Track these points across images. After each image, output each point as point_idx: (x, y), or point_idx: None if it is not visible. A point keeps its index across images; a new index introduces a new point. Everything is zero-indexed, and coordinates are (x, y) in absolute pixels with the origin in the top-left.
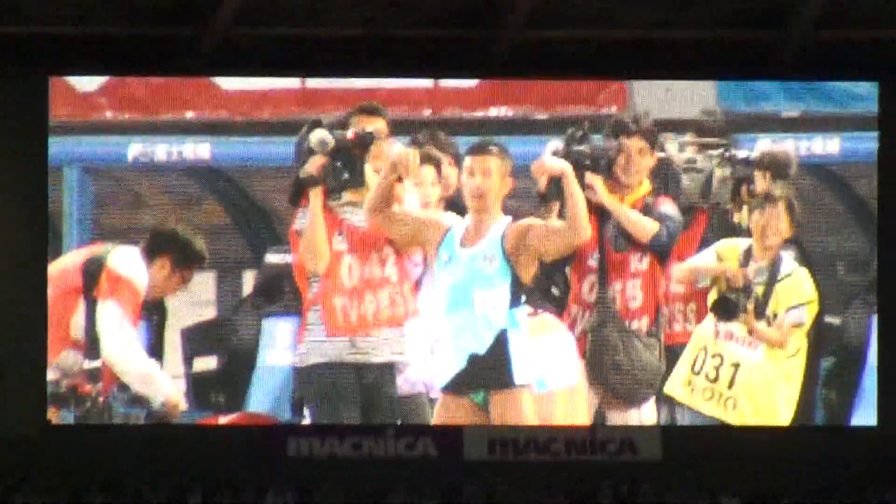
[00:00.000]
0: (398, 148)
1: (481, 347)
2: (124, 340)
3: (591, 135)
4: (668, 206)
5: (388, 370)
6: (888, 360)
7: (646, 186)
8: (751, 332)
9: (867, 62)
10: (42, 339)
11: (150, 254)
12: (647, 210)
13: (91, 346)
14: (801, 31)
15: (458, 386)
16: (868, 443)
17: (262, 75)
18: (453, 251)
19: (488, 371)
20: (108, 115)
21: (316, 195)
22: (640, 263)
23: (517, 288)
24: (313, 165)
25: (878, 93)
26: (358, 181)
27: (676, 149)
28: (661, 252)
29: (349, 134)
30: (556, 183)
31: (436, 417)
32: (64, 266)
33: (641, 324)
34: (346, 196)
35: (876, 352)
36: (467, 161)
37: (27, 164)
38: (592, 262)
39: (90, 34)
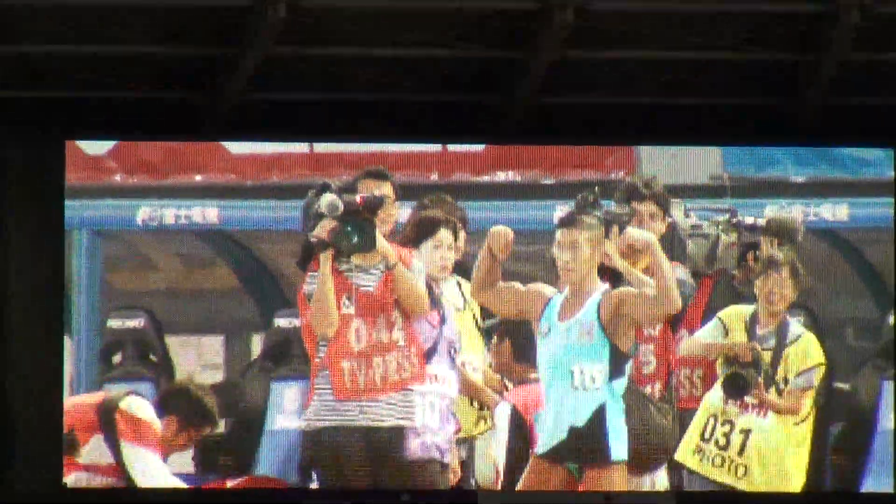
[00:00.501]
0: (496, 228)
1: (579, 420)
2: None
3: (602, 200)
4: (680, 272)
5: (397, 434)
6: None
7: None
8: (761, 403)
9: (881, 128)
10: (59, 401)
11: (159, 409)
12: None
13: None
14: (815, 96)
15: (555, 455)
16: None
17: (274, 140)
18: (552, 322)
19: (585, 443)
20: (118, 178)
21: (325, 259)
22: (652, 329)
23: (617, 358)
24: (323, 230)
25: (895, 158)
26: (369, 245)
27: (682, 214)
28: (675, 316)
29: (357, 198)
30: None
31: (524, 482)
32: (76, 403)
33: (654, 389)
34: (355, 260)
35: (889, 417)
36: (557, 235)
37: (41, 227)
38: None
39: (106, 98)
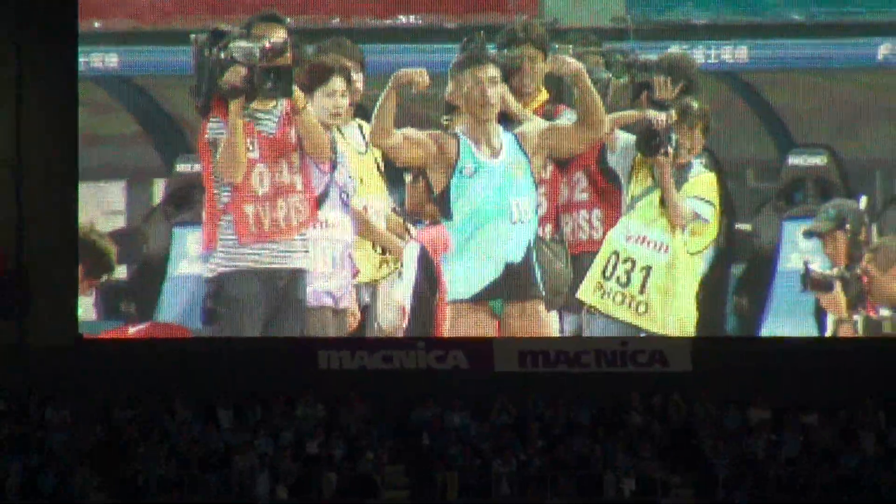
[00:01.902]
0: (404, 70)
1: (516, 256)
2: None
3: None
4: (568, 114)
5: (300, 276)
6: None
7: (544, 94)
8: (662, 173)
9: None
10: (73, 256)
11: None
12: (547, 117)
13: None
14: None
15: (486, 294)
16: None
17: None
18: (478, 161)
19: (518, 279)
20: None
21: (236, 106)
22: (544, 171)
23: (537, 191)
24: (235, 76)
25: None
26: (286, 90)
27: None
28: (563, 159)
29: (266, 44)
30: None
31: (447, 328)
32: None
33: (546, 231)
34: (254, 105)
35: (789, 258)
36: (491, 71)
37: None
38: None
39: None
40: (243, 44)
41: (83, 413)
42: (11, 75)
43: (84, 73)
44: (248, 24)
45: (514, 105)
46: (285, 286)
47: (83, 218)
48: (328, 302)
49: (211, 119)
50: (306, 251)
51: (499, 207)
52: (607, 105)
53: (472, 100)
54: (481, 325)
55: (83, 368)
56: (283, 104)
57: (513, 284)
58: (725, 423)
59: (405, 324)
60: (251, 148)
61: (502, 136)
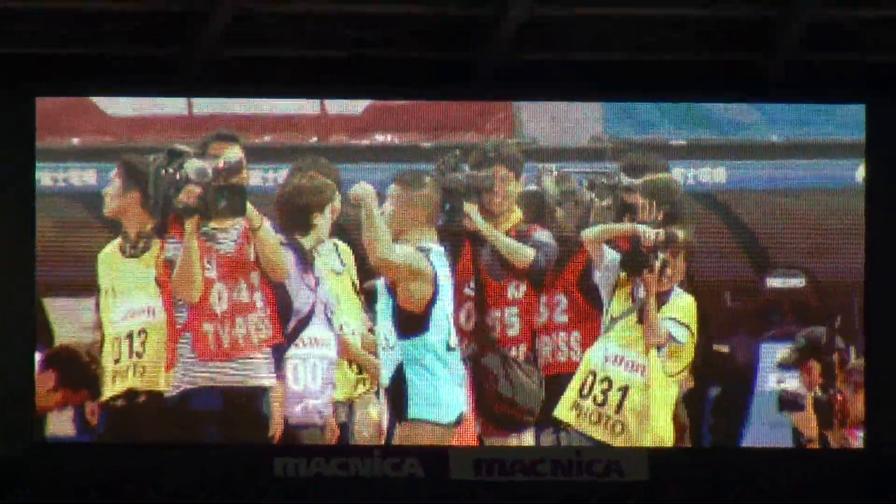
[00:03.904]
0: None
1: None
2: None
3: (463, 164)
4: (541, 234)
5: (261, 394)
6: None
7: (517, 214)
8: (647, 292)
9: (853, 84)
10: (30, 360)
11: (45, 363)
12: (521, 238)
13: None
14: (785, 52)
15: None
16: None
17: (245, 96)
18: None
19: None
20: None
21: (191, 225)
22: (516, 291)
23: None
24: (189, 195)
25: (865, 115)
26: (240, 210)
27: (551, 181)
28: (537, 279)
29: (220, 163)
30: None
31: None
32: None
33: (519, 351)
34: (213, 223)
35: (767, 378)
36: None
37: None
38: (469, 290)
39: (74, 55)
40: (197, 163)
41: None
42: None
43: (61, 189)
44: (203, 143)
45: (481, 225)
46: (246, 403)
47: (59, 335)
48: (317, 420)
49: (167, 239)
50: (272, 371)
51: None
52: (589, 225)
53: None
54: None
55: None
56: (241, 223)
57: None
58: None
59: (382, 440)
60: (209, 267)
61: None
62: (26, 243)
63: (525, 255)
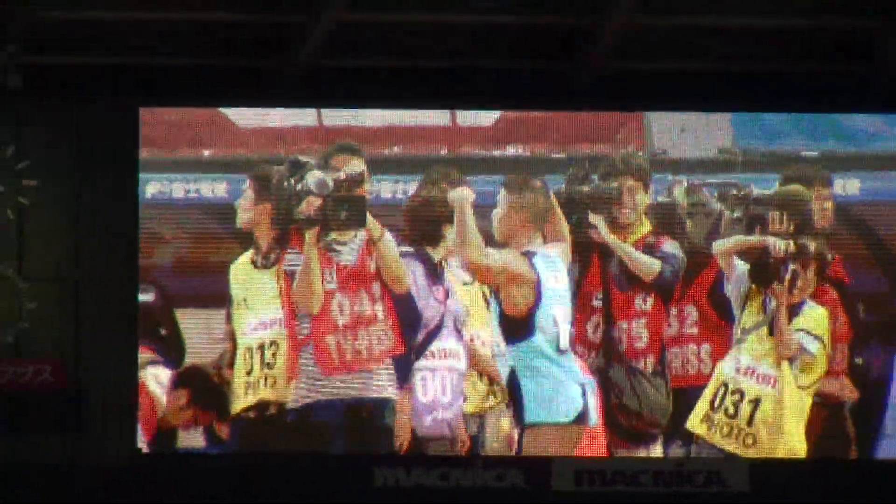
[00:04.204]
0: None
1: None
2: None
3: (593, 175)
4: (669, 246)
5: (384, 405)
6: None
7: (646, 226)
8: (778, 306)
9: None
10: (133, 373)
11: (177, 381)
12: (648, 249)
13: None
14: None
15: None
16: None
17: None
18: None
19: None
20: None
21: (311, 236)
22: (644, 303)
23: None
24: (310, 206)
25: None
26: (360, 221)
27: (682, 193)
28: (665, 291)
29: (342, 175)
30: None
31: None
32: None
33: (647, 363)
34: (333, 235)
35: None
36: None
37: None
38: (596, 302)
39: (179, 65)
40: (318, 174)
41: None
42: (70, 196)
43: (193, 201)
44: (326, 155)
45: (607, 236)
46: (370, 416)
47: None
48: (446, 432)
49: (288, 250)
50: (395, 382)
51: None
52: (720, 236)
53: None
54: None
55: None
56: (362, 234)
57: None
58: None
59: (514, 452)
60: (329, 279)
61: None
62: (130, 255)
63: (651, 267)
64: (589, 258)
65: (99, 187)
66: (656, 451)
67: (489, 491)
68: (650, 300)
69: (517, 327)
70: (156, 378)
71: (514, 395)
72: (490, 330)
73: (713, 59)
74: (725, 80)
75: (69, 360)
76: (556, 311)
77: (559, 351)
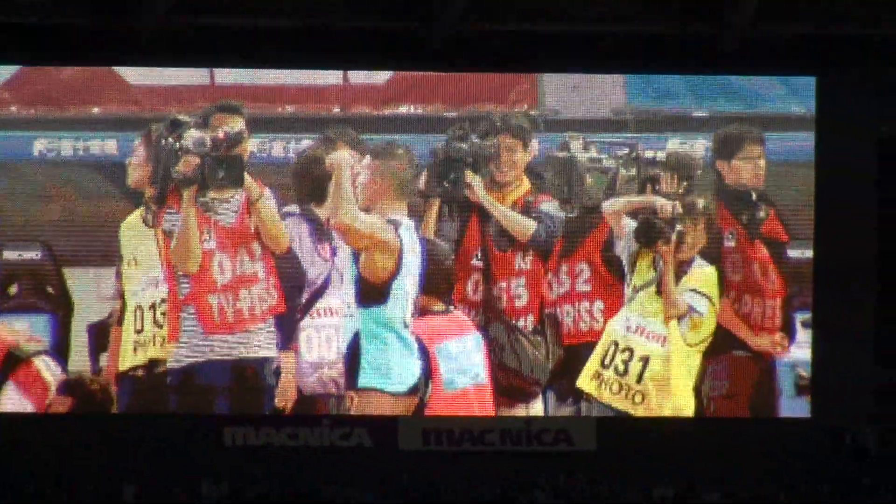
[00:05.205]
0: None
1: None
2: None
3: (471, 134)
4: (547, 205)
5: (266, 364)
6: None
7: (525, 185)
8: (663, 271)
9: (805, 57)
10: None
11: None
12: (527, 209)
13: None
14: (740, 25)
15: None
16: (800, 433)
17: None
18: None
19: None
20: (14, 109)
21: (189, 195)
22: (523, 262)
23: None
24: (187, 165)
25: (816, 88)
26: (238, 180)
27: (581, 147)
28: (543, 251)
29: (220, 133)
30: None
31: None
32: None
33: (527, 322)
34: (211, 194)
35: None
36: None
37: None
38: (476, 261)
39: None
40: (196, 133)
41: None
42: None
43: (83, 159)
44: (205, 114)
45: (482, 196)
46: (253, 376)
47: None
48: (333, 389)
49: (166, 210)
50: (277, 341)
51: None
52: (615, 193)
53: None
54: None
55: None
56: (241, 194)
57: None
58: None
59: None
60: (208, 238)
61: None
62: None
63: (526, 227)
64: (468, 217)
65: None
66: (537, 409)
67: (336, 450)
68: (529, 259)
69: (372, 293)
70: (47, 367)
71: (352, 358)
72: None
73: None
74: (615, 42)
75: None
76: (409, 284)
77: (404, 324)
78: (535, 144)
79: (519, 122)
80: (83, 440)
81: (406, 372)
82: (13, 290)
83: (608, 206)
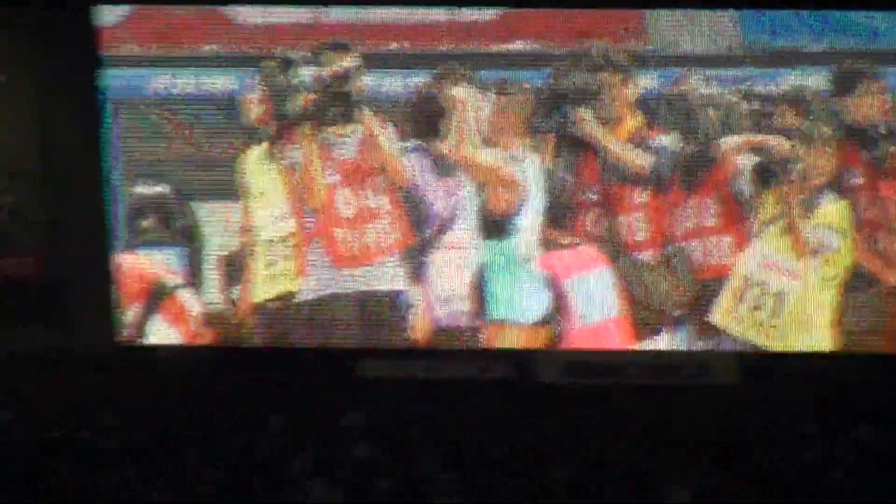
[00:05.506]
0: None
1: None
2: None
3: (575, 70)
4: (663, 139)
5: (396, 297)
6: None
7: (638, 120)
8: (788, 210)
9: None
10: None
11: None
12: (642, 143)
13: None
14: None
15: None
16: None
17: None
18: None
19: None
20: (132, 48)
21: (307, 131)
22: (641, 196)
23: None
24: (304, 101)
25: None
26: (350, 114)
27: (697, 83)
28: (661, 184)
29: (333, 70)
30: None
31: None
32: (134, 266)
33: (651, 256)
34: (330, 129)
35: None
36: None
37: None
38: (593, 195)
39: None
40: (309, 70)
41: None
42: (35, 94)
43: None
44: (316, 52)
45: (595, 131)
46: (381, 308)
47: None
48: (464, 321)
49: (288, 145)
50: (403, 273)
51: None
52: (731, 129)
53: None
54: None
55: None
56: (360, 129)
57: None
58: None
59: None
60: (330, 172)
61: None
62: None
63: (643, 160)
64: (583, 152)
65: (63, 84)
66: (668, 342)
67: (476, 382)
68: (647, 193)
69: (496, 226)
70: (189, 299)
71: (480, 290)
72: None
73: None
74: None
75: (48, 254)
76: (533, 218)
77: (530, 257)
78: (644, 79)
79: (620, 58)
80: (226, 371)
81: (535, 304)
82: (146, 223)
83: (726, 143)
